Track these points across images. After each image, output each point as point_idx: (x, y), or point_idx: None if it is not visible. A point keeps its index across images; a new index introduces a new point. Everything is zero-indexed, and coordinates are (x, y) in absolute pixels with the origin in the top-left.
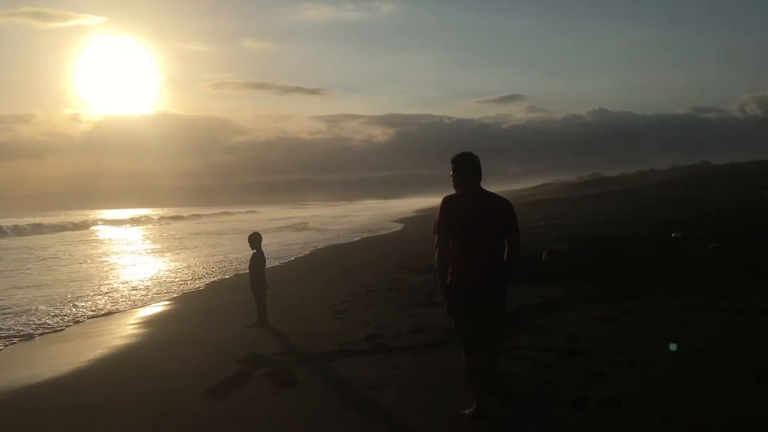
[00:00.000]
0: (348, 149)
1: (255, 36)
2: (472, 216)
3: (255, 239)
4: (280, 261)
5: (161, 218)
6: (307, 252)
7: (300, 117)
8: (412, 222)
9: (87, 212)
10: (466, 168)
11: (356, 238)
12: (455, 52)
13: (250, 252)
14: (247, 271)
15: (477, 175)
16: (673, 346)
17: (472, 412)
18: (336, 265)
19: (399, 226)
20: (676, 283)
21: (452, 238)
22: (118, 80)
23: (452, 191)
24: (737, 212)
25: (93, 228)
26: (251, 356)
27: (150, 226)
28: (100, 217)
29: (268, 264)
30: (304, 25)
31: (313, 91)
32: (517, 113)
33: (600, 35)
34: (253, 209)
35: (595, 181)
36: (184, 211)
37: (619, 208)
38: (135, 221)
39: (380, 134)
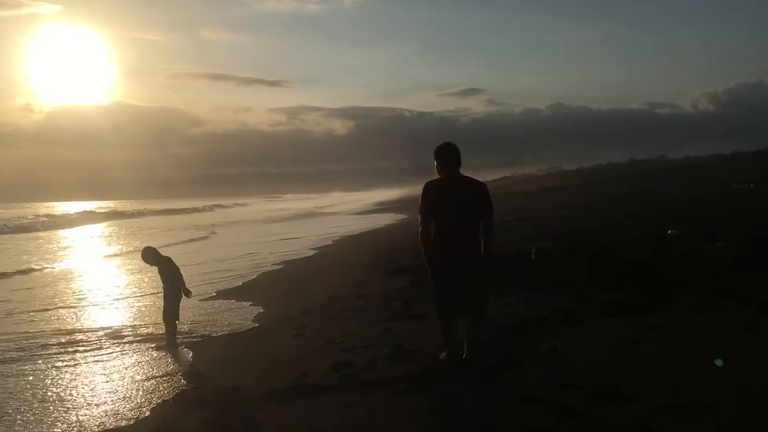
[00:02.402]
0: (308, 141)
1: (214, 26)
2: (450, 198)
3: (150, 255)
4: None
5: (167, 210)
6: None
7: (260, 109)
8: (383, 216)
9: (42, 204)
10: (445, 156)
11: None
12: (415, 46)
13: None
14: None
15: (455, 162)
16: (718, 362)
17: (444, 356)
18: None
19: (367, 220)
20: (696, 290)
21: (433, 217)
22: (72, 70)
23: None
24: (716, 206)
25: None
26: (185, 394)
27: (151, 217)
28: (59, 209)
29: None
30: (265, 16)
31: (274, 83)
32: (476, 107)
33: (557, 31)
34: (237, 202)
35: (555, 174)
36: (143, 204)
37: (587, 201)
38: (124, 215)
39: (340, 127)
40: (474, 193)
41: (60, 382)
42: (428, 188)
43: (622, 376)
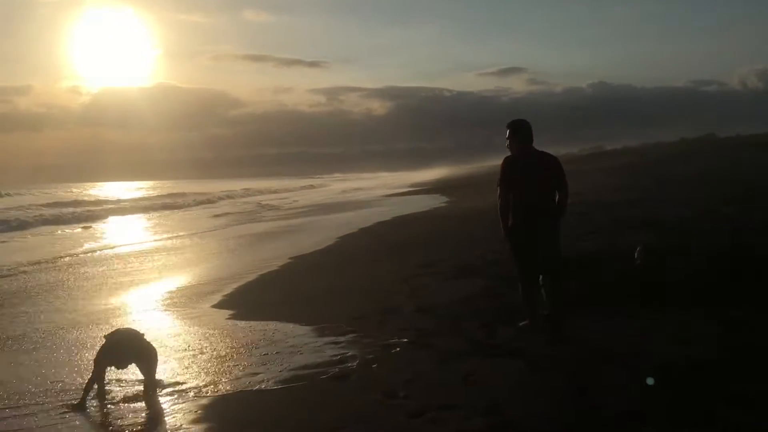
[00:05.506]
0: (347, 122)
1: (255, 7)
2: (527, 172)
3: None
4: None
5: (266, 189)
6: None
7: (299, 89)
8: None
9: (91, 185)
10: (520, 132)
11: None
12: (454, 25)
13: None
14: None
15: (528, 137)
16: (650, 380)
17: (525, 325)
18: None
19: (423, 201)
20: None
21: (511, 190)
22: (117, 52)
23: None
24: None
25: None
26: None
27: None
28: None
29: None
30: None
31: (313, 64)
32: (516, 86)
33: (599, 7)
34: (313, 182)
35: (599, 154)
36: (192, 186)
37: (648, 183)
38: (233, 195)
39: (379, 107)
40: (549, 166)
41: None
42: (506, 162)
43: None
